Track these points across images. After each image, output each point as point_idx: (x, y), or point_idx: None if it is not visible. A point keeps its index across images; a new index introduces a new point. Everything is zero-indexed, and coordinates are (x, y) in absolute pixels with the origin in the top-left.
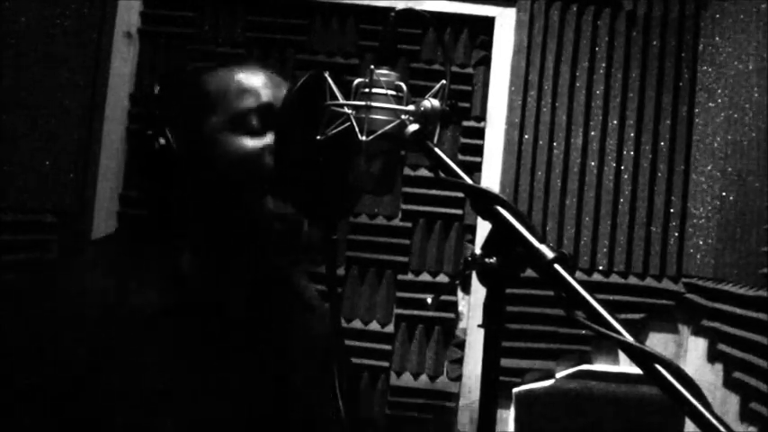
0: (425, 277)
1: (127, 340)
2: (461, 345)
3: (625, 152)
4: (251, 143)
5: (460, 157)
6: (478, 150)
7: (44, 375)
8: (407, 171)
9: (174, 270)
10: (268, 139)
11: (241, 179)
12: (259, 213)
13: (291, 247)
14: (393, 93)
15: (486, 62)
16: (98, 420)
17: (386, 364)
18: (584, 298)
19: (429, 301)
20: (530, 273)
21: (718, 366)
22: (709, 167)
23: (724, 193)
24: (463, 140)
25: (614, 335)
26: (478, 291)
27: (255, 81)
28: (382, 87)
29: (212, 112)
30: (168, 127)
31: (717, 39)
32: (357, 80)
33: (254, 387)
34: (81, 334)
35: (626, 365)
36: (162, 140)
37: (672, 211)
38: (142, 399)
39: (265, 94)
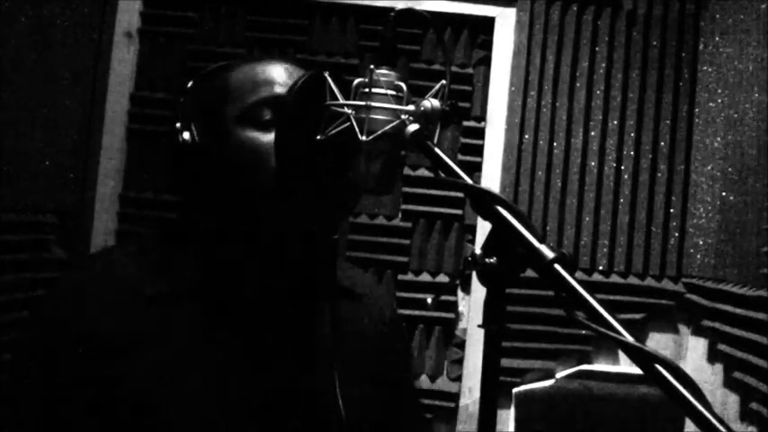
0: (425, 277)
1: (153, 326)
2: (461, 345)
3: (625, 152)
4: (261, 137)
5: (460, 157)
6: (478, 150)
7: (83, 364)
8: (407, 171)
9: (195, 267)
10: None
11: (251, 173)
12: (269, 211)
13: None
14: (393, 93)
15: (486, 62)
16: (130, 404)
17: None
18: (584, 298)
19: (429, 301)
20: (530, 273)
21: (719, 366)
22: (709, 167)
23: (724, 193)
24: (463, 140)
25: (614, 335)
26: (478, 291)
27: (271, 73)
28: (382, 87)
29: (229, 105)
30: (193, 121)
31: (717, 39)
32: (357, 80)
33: (270, 384)
34: (113, 319)
35: (626, 365)
36: (186, 135)
37: (672, 211)
38: (170, 382)
39: (280, 87)
